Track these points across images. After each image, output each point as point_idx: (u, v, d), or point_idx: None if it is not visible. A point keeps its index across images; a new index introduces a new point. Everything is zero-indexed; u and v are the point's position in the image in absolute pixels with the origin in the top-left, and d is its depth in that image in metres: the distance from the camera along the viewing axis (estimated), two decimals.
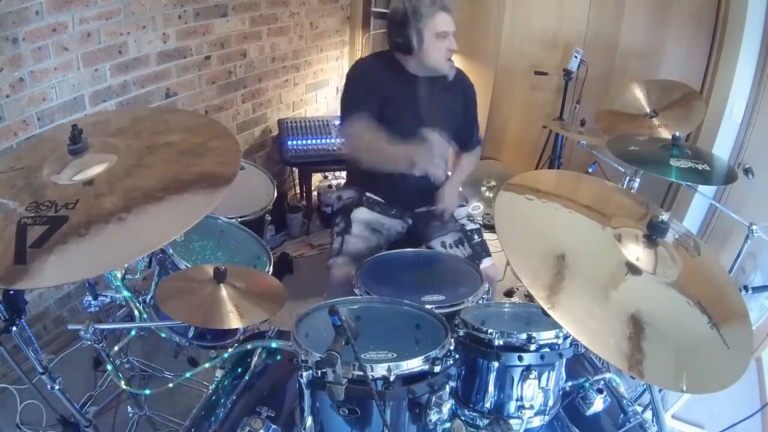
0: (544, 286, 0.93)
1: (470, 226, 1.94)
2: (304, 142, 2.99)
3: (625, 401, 1.36)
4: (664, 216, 1.05)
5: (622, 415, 1.32)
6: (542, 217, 1.13)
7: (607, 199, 1.29)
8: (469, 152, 2.05)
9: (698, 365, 0.95)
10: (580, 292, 0.96)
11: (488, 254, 1.86)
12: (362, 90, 1.82)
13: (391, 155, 1.66)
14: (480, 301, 1.45)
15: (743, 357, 1.00)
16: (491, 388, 1.14)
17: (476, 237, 1.91)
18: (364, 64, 1.95)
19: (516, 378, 1.11)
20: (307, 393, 0.96)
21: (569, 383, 1.26)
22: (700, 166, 1.69)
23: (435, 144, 1.59)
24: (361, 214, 1.89)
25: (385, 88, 1.81)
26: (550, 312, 0.88)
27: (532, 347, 1.09)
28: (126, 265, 1.38)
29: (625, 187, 2.06)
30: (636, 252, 1.05)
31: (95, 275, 1.36)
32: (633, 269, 1.02)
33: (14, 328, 1.13)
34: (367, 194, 1.94)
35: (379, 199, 1.95)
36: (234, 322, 1.22)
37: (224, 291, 1.27)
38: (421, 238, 1.97)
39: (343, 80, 1.94)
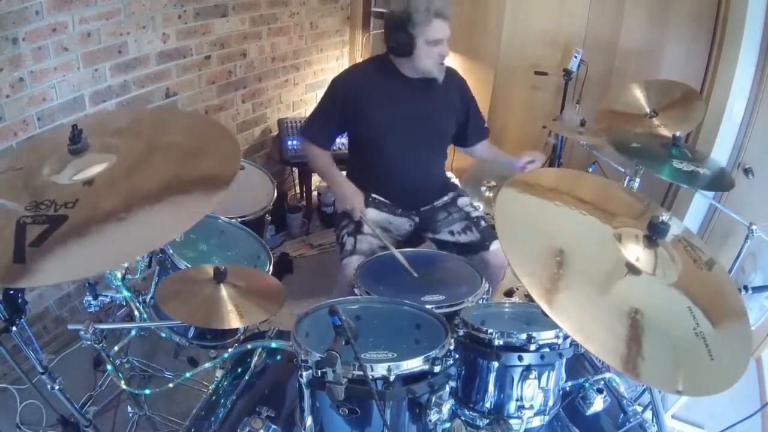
0: (542, 283, 0.92)
1: (475, 213, 1.99)
2: None
3: (625, 401, 1.36)
4: (665, 216, 1.05)
5: (622, 415, 1.32)
6: (543, 215, 1.12)
7: (608, 197, 1.29)
8: (483, 141, 2.12)
9: (696, 367, 0.94)
10: (579, 291, 0.95)
11: (497, 237, 1.87)
12: (333, 107, 1.91)
13: (329, 182, 1.99)
14: (480, 301, 1.45)
15: (741, 359, 0.99)
16: (491, 388, 1.13)
17: (482, 222, 1.95)
18: (348, 76, 1.97)
19: (516, 378, 1.11)
20: (307, 393, 0.96)
21: (569, 383, 1.26)
22: (701, 170, 1.69)
23: (354, 207, 1.87)
24: (370, 214, 1.92)
25: (374, 91, 1.86)
26: (547, 310, 0.88)
27: (532, 347, 1.09)
28: (126, 265, 1.38)
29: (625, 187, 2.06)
30: (636, 252, 1.05)
31: (94, 274, 1.36)
32: (632, 270, 1.02)
33: (14, 328, 1.13)
34: (373, 195, 1.97)
35: (384, 200, 1.98)
36: (234, 322, 1.22)
37: (224, 291, 1.27)
38: (429, 232, 2.01)
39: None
